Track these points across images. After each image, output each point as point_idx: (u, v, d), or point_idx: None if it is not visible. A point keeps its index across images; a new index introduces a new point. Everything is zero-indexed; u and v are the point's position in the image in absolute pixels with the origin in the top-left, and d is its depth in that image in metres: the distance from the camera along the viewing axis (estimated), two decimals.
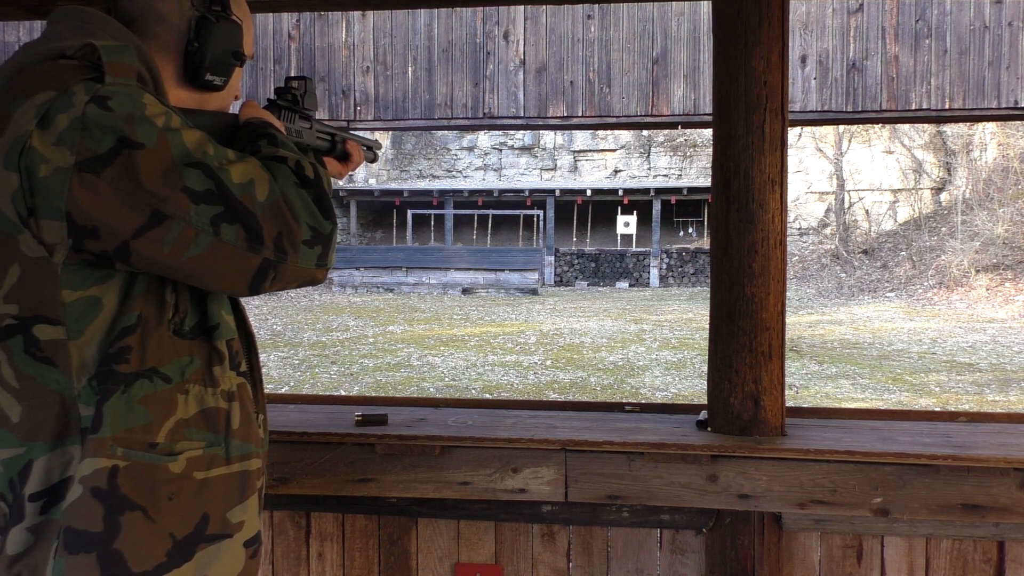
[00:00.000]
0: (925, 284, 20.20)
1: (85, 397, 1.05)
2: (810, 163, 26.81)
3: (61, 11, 1.16)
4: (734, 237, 1.99)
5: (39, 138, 1.00)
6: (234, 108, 1.31)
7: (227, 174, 1.06)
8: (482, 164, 30.78)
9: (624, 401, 2.83)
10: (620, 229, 26.44)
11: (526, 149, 30.54)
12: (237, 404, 1.17)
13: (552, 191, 27.05)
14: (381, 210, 29.55)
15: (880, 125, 20.49)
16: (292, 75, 1.54)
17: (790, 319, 15.10)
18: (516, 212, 26.93)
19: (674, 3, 4.81)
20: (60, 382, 1.04)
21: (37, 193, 1.00)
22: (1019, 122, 19.10)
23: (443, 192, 27.55)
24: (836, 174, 25.86)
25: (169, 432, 1.09)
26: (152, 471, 1.06)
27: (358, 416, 2.10)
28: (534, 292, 22.11)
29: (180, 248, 1.03)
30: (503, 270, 22.43)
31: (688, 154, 29.54)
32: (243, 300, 1.26)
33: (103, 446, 1.04)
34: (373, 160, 1.57)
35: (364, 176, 29.79)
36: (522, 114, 4.83)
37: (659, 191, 26.46)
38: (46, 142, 1.00)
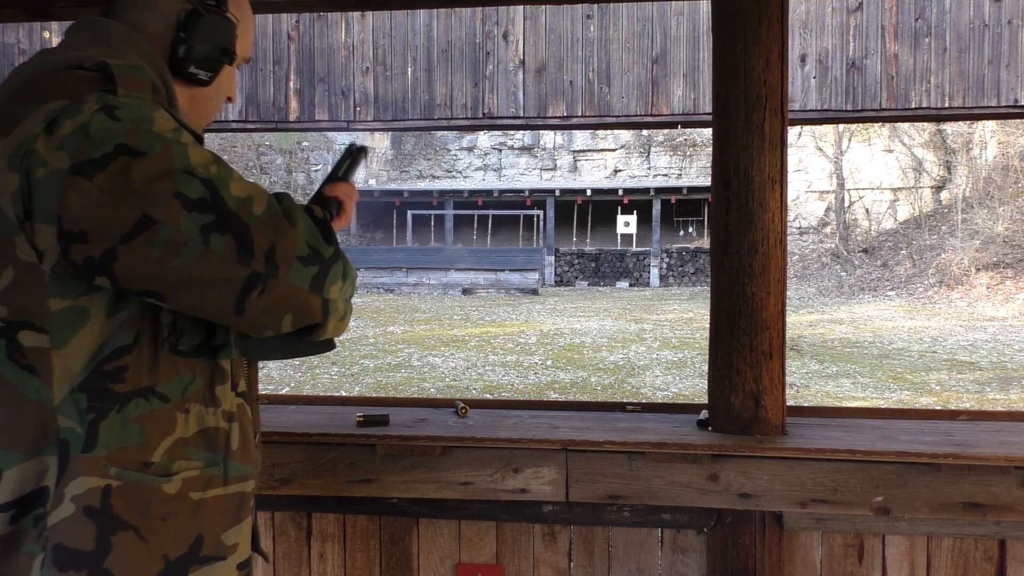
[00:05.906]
0: (925, 283, 20.19)
1: (66, 409, 1.03)
2: (810, 162, 26.80)
3: (84, 22, 1.16)
4: (734, 236, 1.99)
5: (43, 142, 0.99)
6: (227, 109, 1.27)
7: (225, 187, 1.03)
8: (482, 164, 30.79)
9: (625, 401, 2.83)
10: (620, 229, 26.45)
11: (526, 149, 30.54)
12: (237, 425, 1.16)
13: (552, 191, 27.05)
14: (381, 210, 29.55)
15: (880, 124, 20.47)
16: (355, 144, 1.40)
17: (790, 318, 15.09)
18: (516, 212, 26.93)
19: (674, 2, 4.81)
20: (41, 392, 1.02)
21: (34, 196, 0.99)
22: (1019, 120, 19.09)
23: (443, 192, 27.56)
24: (836, 173, 25.85)
25: (166, 451, 1.07)
26: (145, 491, 1.05)
27: (359, 417, 2.10)
28: (534, 292, 22.11)
29: (168, 255, 1.00)
30: (503, 270, 22.44)
31: (688, 154, 29.55)
32: None
33: (97, 465, 1.03)
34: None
35: (364, 177, 29.79)
36: (522, 114, 4.82)
37: (659, 191, 26.48)
38: (49, 146, 0.99)
